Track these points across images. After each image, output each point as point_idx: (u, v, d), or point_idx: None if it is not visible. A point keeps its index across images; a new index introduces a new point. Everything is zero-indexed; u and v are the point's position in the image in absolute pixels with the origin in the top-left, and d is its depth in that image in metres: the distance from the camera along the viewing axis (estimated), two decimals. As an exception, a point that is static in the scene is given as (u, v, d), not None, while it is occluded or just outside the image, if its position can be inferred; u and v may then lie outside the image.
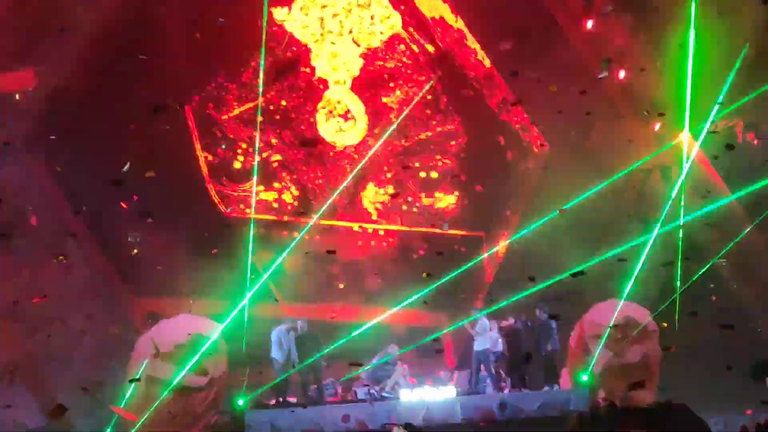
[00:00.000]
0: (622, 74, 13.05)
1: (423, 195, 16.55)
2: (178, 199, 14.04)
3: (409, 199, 16.59)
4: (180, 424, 11.25)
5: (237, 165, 15.69)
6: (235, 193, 15.56)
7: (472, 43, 15.69)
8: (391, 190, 16.42)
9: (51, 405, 10.75)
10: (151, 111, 11.16)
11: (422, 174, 16.46)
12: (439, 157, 16.53)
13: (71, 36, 12.01)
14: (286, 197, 16.08)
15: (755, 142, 12.42)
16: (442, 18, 15.87)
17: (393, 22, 15.85)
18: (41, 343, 12.42)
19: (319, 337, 12.49)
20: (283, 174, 16.01)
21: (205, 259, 13.30)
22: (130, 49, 12.85)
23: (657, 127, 13.14)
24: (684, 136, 12.05)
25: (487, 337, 12.54)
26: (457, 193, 16.45)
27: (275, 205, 15.99)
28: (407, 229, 16.19)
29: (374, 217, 16.33)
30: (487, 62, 15.58)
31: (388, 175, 16.67)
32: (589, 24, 13.16)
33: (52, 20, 11.98)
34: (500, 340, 12.66)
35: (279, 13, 15.26)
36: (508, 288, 12.99)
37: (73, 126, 12.84)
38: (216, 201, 15.35)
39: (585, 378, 12.40)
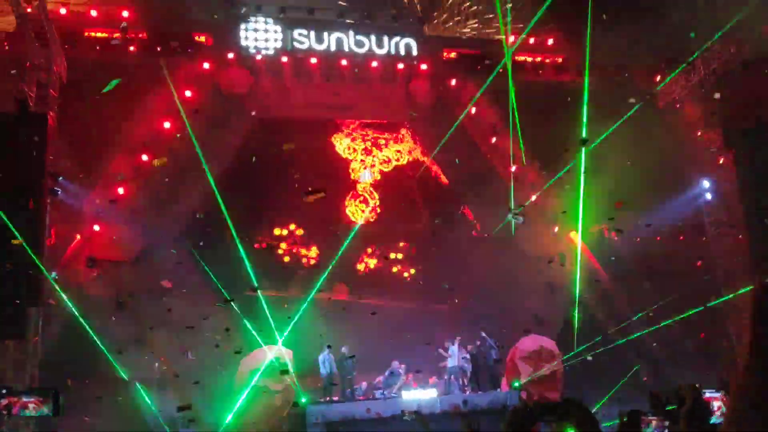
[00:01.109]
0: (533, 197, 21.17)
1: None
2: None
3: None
4: (268, 414, 18.02)
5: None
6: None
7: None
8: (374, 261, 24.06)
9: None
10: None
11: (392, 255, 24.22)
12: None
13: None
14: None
15: (614, 235, 20.43)
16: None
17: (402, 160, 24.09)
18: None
19: (352, 359, 19.40)
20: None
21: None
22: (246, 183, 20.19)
23: (555, 229, 21.33)
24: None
25: (455, 358, 19.82)
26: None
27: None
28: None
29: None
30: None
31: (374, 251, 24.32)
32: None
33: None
34: (466, 359, 19.93)
35: (336, 139, 23.21)
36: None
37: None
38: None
39: (516, 384, 19.73)
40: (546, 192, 21.58)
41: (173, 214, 20.31)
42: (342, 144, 24.12)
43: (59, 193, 18.39)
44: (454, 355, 19.82)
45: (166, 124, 20.18)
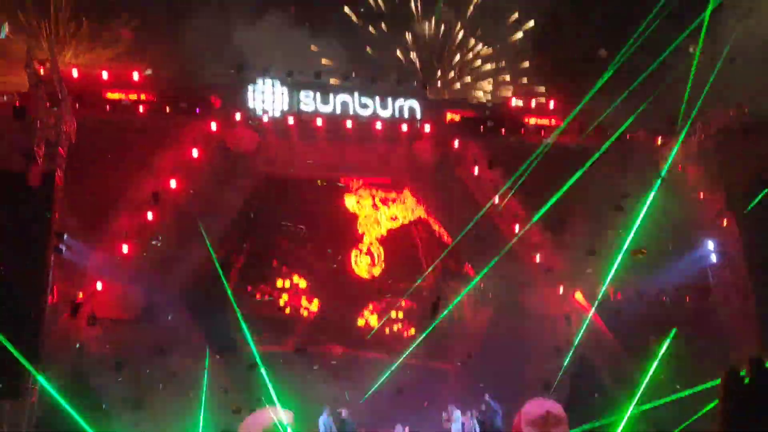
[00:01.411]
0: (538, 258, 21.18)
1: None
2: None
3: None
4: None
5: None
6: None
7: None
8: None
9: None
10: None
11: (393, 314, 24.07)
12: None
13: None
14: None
15: (619, 296, 20.36)
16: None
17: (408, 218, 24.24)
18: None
19: (352, 424, 18.98)
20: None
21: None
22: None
23: (561, 289, 21.22)
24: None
25: (459, 424, 19.36)
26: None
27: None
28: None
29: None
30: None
31: (376, 308, 24.25)
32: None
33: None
34: (475, 424, 19.48)
35: (348, 199, 23.64)
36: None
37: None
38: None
39: (523, 451, 19.18)
40: (551, 252, 21.62)
41: (177, 272, 20.18)
42: (350, 200, 24.40)
43: (63, 251, 18.39)
44: (458, 421, 19.38)
45: (173, 183, 20.33)
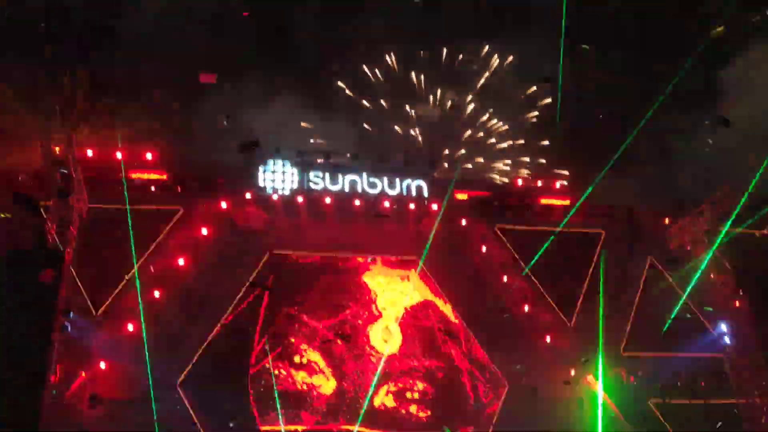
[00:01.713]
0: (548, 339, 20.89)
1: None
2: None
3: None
4: None
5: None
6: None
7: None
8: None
9: None
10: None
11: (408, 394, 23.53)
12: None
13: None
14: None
15: (632, 380, 19.93)
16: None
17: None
18: None
19: None
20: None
21: None
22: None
23: (572, 372, 20.80)
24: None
25: None
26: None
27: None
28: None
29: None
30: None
31: (392, 388, 23.75)
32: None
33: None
34: None
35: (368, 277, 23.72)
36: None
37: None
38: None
39: None
40: (561, 334, 21.35)
41: (183, 351, 19.89)
42: (369, 278, 24.25)
43: (69, 329, 18.25)
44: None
45: (181, 261, 20.35)
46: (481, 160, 27.29)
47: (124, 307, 19.95)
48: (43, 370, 17.36)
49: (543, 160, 26.85)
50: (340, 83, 27.68)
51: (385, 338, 23.59)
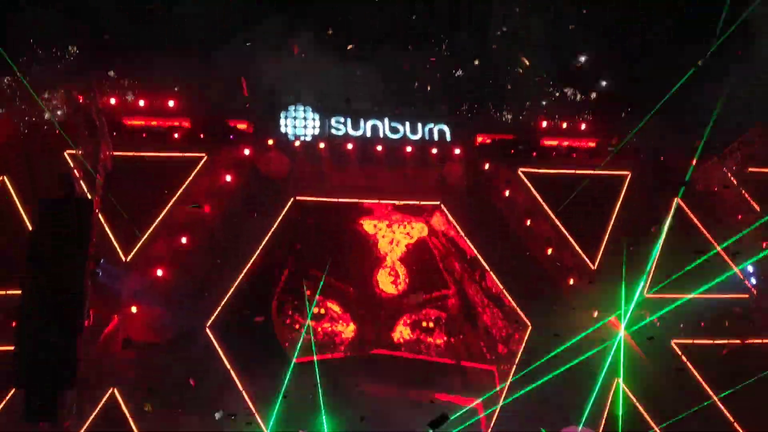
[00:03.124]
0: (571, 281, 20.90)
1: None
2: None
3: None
4: None
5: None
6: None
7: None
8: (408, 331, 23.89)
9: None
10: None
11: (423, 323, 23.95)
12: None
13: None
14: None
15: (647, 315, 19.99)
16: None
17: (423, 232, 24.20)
18: None
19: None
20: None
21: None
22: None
23: (595, 314, 20.79)
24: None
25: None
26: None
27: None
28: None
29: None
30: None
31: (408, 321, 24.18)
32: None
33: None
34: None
35: (366, 223, 23.78)
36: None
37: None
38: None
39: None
40: (584, 275, 21.32)
41: (211, 297, 20.29)
42: (367, 224, 24.37)
43: (100, 275, 18.67)
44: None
45: (206, 208, 20.60)
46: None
47: (151, 255, 20.38)
48: (77, 315, 17.83)
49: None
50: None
51: (392, 279, 24.06)
